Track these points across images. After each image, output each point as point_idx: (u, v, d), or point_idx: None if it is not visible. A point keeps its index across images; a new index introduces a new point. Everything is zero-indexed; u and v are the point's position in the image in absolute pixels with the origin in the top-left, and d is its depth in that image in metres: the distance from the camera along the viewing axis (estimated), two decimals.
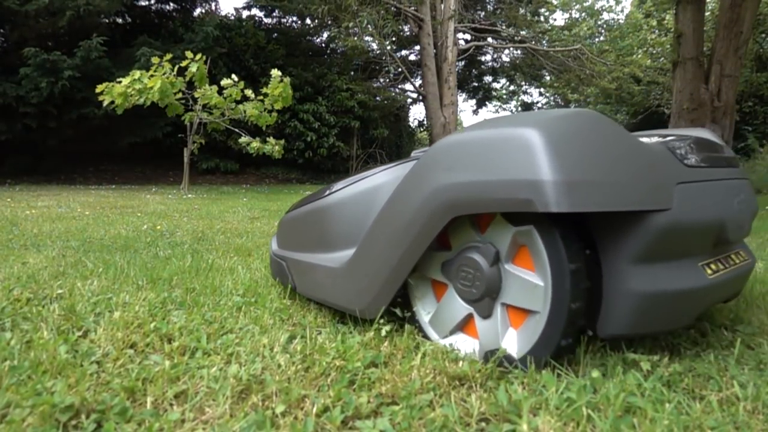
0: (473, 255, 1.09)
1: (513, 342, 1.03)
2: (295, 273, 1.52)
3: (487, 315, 1.08)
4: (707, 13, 13.39)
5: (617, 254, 0.99)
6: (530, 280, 1.00)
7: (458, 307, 1.13)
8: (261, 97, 7.88)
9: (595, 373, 0.96)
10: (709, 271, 1.09)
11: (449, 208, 1.04)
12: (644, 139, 1.12)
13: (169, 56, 7.14)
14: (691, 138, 1.21)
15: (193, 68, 7.13)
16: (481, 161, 0.99)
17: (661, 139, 1.15)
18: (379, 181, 1.30)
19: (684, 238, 1.03)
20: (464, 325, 1.14)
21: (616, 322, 1.00)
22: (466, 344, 1.11)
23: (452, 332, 1.15)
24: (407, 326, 1.24)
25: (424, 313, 1.21)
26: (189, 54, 7.25)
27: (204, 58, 7.38)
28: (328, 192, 1.45)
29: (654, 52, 17.32)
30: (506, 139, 0.97)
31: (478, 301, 1.09)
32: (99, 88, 7.04)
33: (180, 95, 7.35)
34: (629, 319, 0.99)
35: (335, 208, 1.39)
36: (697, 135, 1.31)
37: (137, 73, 7.07)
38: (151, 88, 6.88)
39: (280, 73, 7.75)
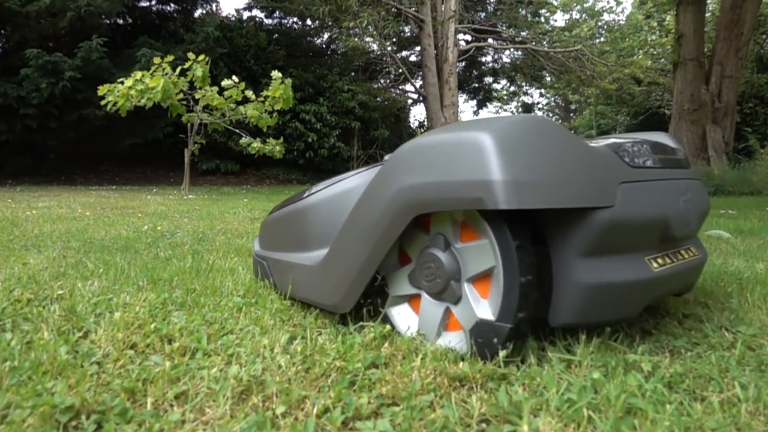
0: (428, 251, 1.17)
1: (486, 309, 1.07)
2: (275, 272, 1.61)
3: (458, 298, 1.12)
4: (708, 15, 13.40)
5: (565, 248, 1.06)
6: (478, 244, 1.08)
7: (434, 308, 1.17)
8: (261, 99, 7.89)
9: (596, 374, 0.96)
10: (655, 265, 1.15)
11: (411, 207, 1.10)
12: (592, 143, 1.16)
13: (170, 58, 7.15)
14: (641, 141, 1.28)
15: (198, 72, 7.13)
16: (439, 163, 1.06)
17: (609, 142, 1.21)
18: (353, 184, 1.37)
19: (627, 233, 1.09)
20: (446, 324, 1.17)
21: (565, 311, 1.07)
22: (454, 341, 1.13)
23: (438, 335, 1.17)
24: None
25: (407, 328, 1.23)
26: (191, 55, 7.25)
27: (207, 59, 7.38)
28: (306, 194, 1.53)
29: (655, 53, 17.32)
30: (460, 143, 1.04)
31: (446, 290, 1.13)
32: (101, 90, 7.04)
33: (181, 95, 7.35)
34: (577, 308, 1.06)
35: (312, 210, 1.48)
36: (651, 139, 1.41)
37: (139, 74, 7.07)
38: (153, 88, 6.88)
39: (280, 75, 7.75)
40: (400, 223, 1.13)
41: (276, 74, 7.72)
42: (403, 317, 1.25)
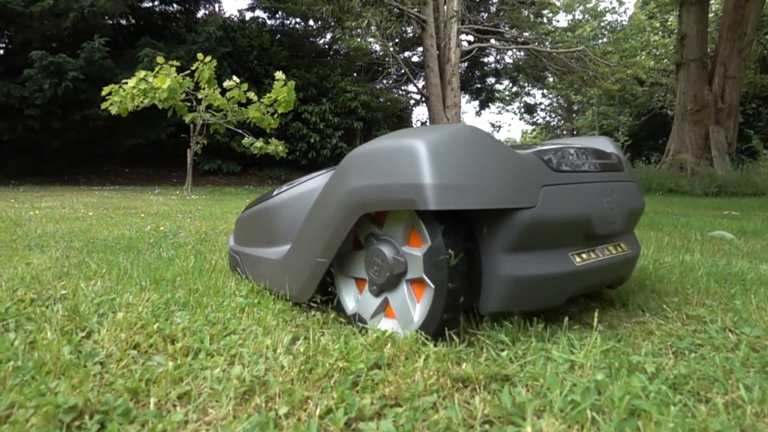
0: (368, 252, 1.31)
1: (423, 248, 1.18)
2: (246, 265, 1.77)
3: (406, 263, 1.23)
4: (711, 15, 13.37)
5: (492, 244, 1.17)
6: (392, 215, 1.26)
7: (399, 294, 1.26)
8: (264, 100, 7.87)
9: (600, 375, 0.96)
10: (579, 260, 1.27)
11: (358, 207, 1.23)
12: (520, 150, 1.26)
13: (176, 63, 7.14)
14: (573, 147, 1.40)
15: (206, 74, 7.13)
16: (380, 168, 1.19)
17: (537, 149, 1.30)
18: (313, 185, 1.49)
19: (549, 231, 1.20)
20: (414, 296, 1.25)
21: (492, 300, 1.19)
22: (426, 303, 1.19)
23: (414, 312, 1.22)
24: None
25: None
26: (200, 56, 7.24)
27: (214, 61, 7.37)
28: (275, 193, 1.67)
29: (657, 53, 17.29)
30: (398, 150, 1.16)
31: (396, 265, 1.23)
32: (106, 90, 7.04)
33: (183, 96, 7.35)
34: (502, 297, 1.18)
35: (278, 209, 1.62)
36: (586, 144, 1.53)
37: (143, 73, 7.07)
38: (158, 88, 6.88)
39: (284, 76, 7.74)
40: (350, 220, 1.25)
41: (280, 75, 7.70)
42: (385, 325, 1.29)
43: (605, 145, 1.60)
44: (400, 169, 1.14)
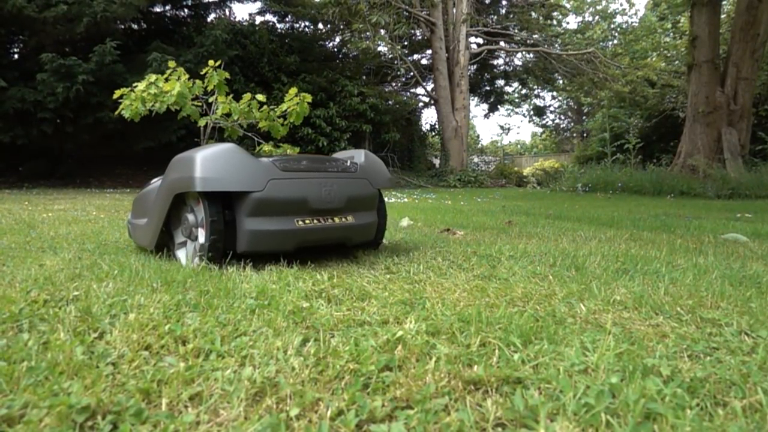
0: (184, 215, 2.17)
1: (203, 238, 2.04)
2: (132, 231, 2.57)
3: (196, 237, 2.10)
4: (723, 16, 13.25)
5: (239, 212, 1.97)
6: (200, 205, 2.08)
7: (191, 246, 2.15)
8: (273, 113, 7.86)
9: (614, 378, 0.95)
10: (301, 223, 2.01)
11: (172, 190, 2.06)
12: (262, 159, 1.99)
13: (178, 68, 7.18)
14: (310, 158, 2.17)
15: (215, 79, 7.15)
16: (180, 167, 2.02)
17: (275, 159, 2.02)
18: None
19: (274, 205, 1.96)
20: (196, 254, 2.08)
21: (241, 244, 1.99)
22: (198, 260, 2.03)
23: (193, 259, 2.07)
24: (421, 328, 1.24)
25: (185, 260, 2.16)
26: (211, 62, 7.27)
27: (225, 73, 7.38)
28: (152, 182, 2.44)
29: (668, 55, 17.16)
30: (187, 158, 2.00)
31: (192, 233, 2.11)
32: (117, 94, 7.11)
33: (198, 103, 7.37)
34: (246, 242, 1.97)
35: (148, 193, 2.40)
36: (336, 156, 2.40)
37: (153, 77, 7.12)
38: (168, 92, 6.91)
39: (296, 91, 7.75)
40: (170, 198, 2.08)
41: (292, 91, 7.70)
42: (181, 255, 2.19)
43: (358, 156, 2.35)
44: (187, 168, 1.95)
